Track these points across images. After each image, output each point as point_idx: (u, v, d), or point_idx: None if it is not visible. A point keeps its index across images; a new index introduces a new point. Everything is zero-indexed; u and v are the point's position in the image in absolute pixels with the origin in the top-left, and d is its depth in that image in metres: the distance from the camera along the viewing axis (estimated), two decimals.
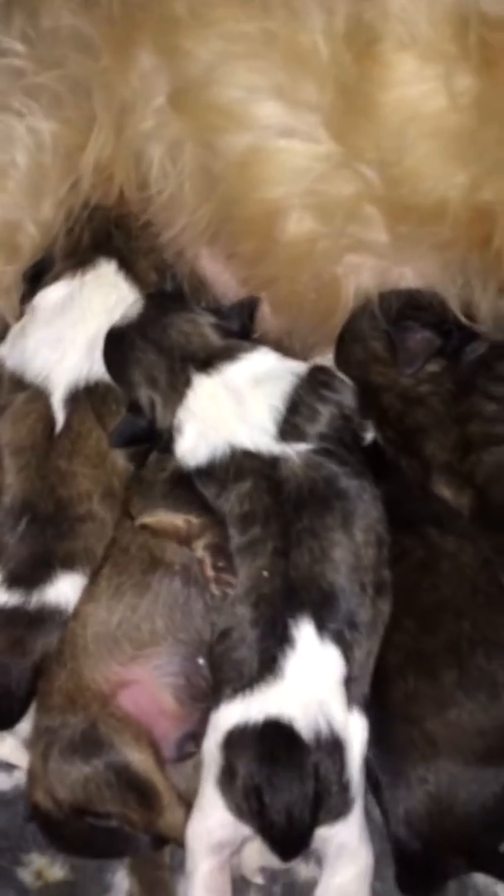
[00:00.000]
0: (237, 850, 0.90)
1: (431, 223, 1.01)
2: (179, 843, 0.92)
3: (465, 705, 0.88)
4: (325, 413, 1.02)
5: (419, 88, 0.96)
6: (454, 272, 1.07)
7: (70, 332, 1.09)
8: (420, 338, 1.07)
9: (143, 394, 1.03)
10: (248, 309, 1.09)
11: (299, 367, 1.05)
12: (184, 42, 1.01)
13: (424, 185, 0.99)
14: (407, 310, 1.06)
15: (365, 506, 0.97)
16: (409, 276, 1.10)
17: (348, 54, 0.97)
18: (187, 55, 1.02)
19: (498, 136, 0.93)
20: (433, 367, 1.06)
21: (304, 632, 0.90)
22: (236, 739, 0.87)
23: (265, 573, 0.93)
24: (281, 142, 1.04)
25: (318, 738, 0.86)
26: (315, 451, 0.99)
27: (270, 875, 0.94)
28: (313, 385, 1.03)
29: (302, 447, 0.98)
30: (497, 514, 0.97)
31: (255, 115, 1.03)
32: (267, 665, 0.89)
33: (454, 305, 1.08)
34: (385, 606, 0.95)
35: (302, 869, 0.93)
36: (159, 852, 0.97)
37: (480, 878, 0.91)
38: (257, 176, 1.05)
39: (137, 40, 1.04)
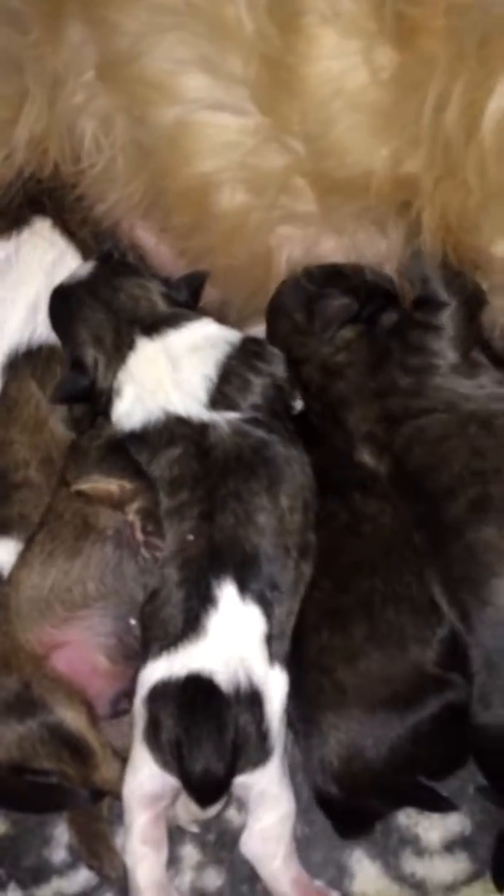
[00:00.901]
0: (171, 801, 0.94)
1: (357, 194, 1.03)
2: (116, 796, 0.97)
3: (373, 656, 0.92)
4: (257, 383, 1.05)
5: (341, 63, 0.97)
6: (379, 240, 1.11)
7: (10, 295, 1.11)
8: (338, 303, 1.10)
9: (88, 352, 1.06)
10: (196, 282, 1.12)
11: (235, 337, 1.08)
12: (111, 14, 1.02)
13: (349, 157, 1.01)
14: (327, 279, 1.08)
15: (292, 472, 1.01)
16: (338, 246, 1.13)
17: (272, 28, 0.98)
18: (115, 28, 1.02)
19: (417, 109, 0.95)
20: (349, 333, 1.09)
21: (227, 592, 0.94)
22: (159, 694, 0.91)
23: (190, 536, 0.97)
24: (210, 115, 1.05)
25: (237, 691, 0.90)
26: (245, 420, 1.02)
27: (204, 824, 0.99)
28: (246, 355, 1.07)
29: (231, 415, 1.02)
30: (410, 481, 1.00)
31: (183, 88, 1.04)
32: (191, 624, 0.93)
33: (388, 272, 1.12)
34: (307, 569, 0.99)
35: (235, 817, 0.97)
36: (97, 806, 1.01)
37: (402, 820, 0.96)
38: (188, 149, 1.07)
39: (66, 12, 1.04)
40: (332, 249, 1.13)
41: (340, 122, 1.00)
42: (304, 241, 1.13)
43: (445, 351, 1.05)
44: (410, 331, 1.07)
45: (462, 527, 0.94)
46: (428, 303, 1.07)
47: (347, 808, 0.92)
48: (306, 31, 0.98)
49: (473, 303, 1.06)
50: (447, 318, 1.06)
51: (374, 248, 1.12)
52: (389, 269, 1.13)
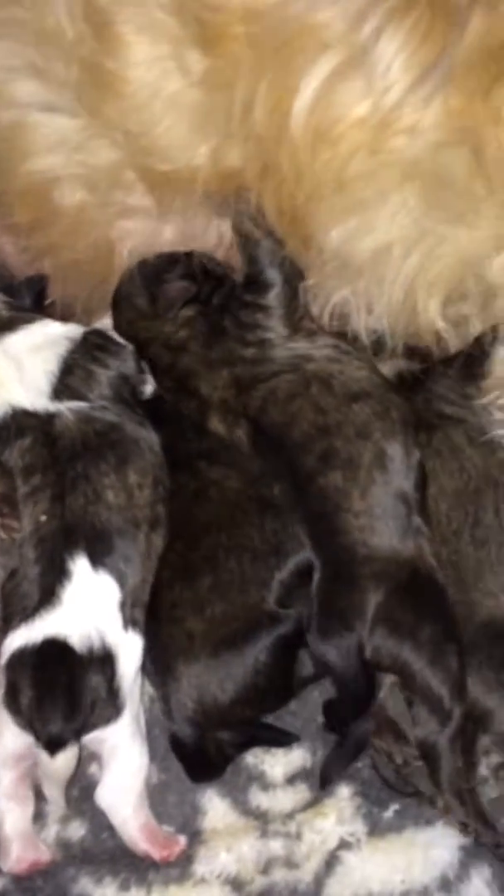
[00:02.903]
0: (35, 760, 0.99)
1: (185, 187, 1.11)
2: None
3: (217, 603, 1.01)
4: (100, 373, 1.14)
5: (156, 67, 1.05)
6: (213, 228, 1.18)
7: None
8: (175, 286, 1.17)
9: None
10: (37, 285, 1.20)
11: (76, 333, 1.16)
12: None
13: (172, 154, 1.09)
14: (164, 266, 1.16)
15: (140, 451, 1.10)
16: (176, 236, 1.20)
17: (91, 35, 1.04)
18: None
19: (226, 107, 1.03)
20: (189, 312, 1.16)
21: (80, 565, 1.02)
22: (17, 660, 0.98)
23: (43, 517, 1.05)
24: (43, 116, 1.12)
25: (90, 652, 0.98)
26: (91, 408, 1.10)
27: (70, 781, 1.03)
28: (88, 348, 1.15)
29: (76, 405, 1.10)
30: (268, 439, 1.09)
31: (16, 93, 1.11)
32: (46, 596, 1.01)
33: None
34: (158, 539, 1.07)
35: (96, 772, 1.04)
36: None
37: (250, 759, 1.04)
38: (24, 149, 1.13)
39: None
40: (171, 239, 1.20)
41: (161, 121, 1.08)
42: (143, 233, 1.20)
43: (276, 327, 1.15)
44: (241, 310, 1.16)
45: (314, 474, 1.04)
46: (254, 283, 1.16)
47: (199, 751, 1.01)
48: (123, 39, 1.05)
49: (295, 281, 1.15)
50: (273, 298, 1.15)
51: (208, 235, 1.21)
52: (221, 255, 1.22)
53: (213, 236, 1.19)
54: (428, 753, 0.97)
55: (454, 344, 1.12)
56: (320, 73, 1.01)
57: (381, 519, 1.01)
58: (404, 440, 1.06)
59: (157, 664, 1.03)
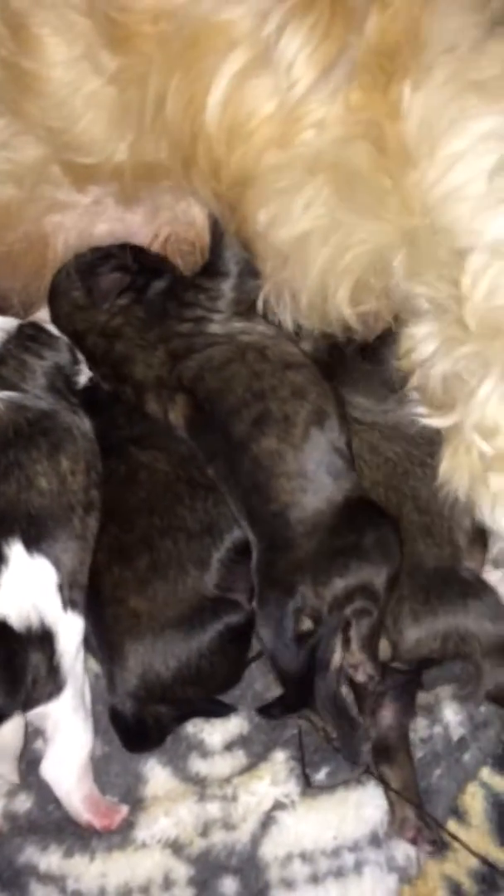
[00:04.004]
0: None
1: (110, 181, 1.14)
2: None
3: (157, 582, 1.06)
4: (33, 363, 1.18)
5: (73, 66, 1.07)
6: (146, 220, 1.22)
7: None
8: (109, 278, 1.21)
9: None
10: None
11: (10, 325, 1.20)
12: None
13: (94, 149, 1.12)
14: (97, 260, 1.20)
15: (72, 439, 1.14)
16: (109, 229, 1.23)
17: (7, 37, 1.07)
18: None
19: (140, 104, 1.07)
20: (123, 301, 1.20)
21: (15, 550, 1.06)
22: None
23: None
24: None
25: (29, 631, 1.03)
26: (24, 397, 1.14)
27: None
28: (21, 339, 1.19)
29: (8, 395, 1.14)
30: (203, 411, 1.12)
31: None
32: None
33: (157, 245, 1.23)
34: (93, 522, 1.11)
35: (42, 747, 1.07)
36: None
37: (190, 729, 1.09)
38: None
39: None
40: (105, 233, 1.24)
41: (81, 118, 1.11)
42: (77, 227, 1.23)
43: (221, 309, 1.18)
44: (186, 291, 1.20)
45: (247, 441, 1.07)
46: (211, 270, 1.19)
47: (138, 723, 1.05)
48: (40, 40, 1.08)
49: (249, 278, 1.18)
50: (225, 286, 1.18)
51: (144, 230, 1.24)
52: (155, 249, 1.26)
53: (148, 231, 1.23)
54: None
55: (362, 334, 1.15)
56: (230, 70, 1.05)
57: (315, 477, 1.05)
58: (336, 404, 1.10)
59: (103, 642, 1.07)
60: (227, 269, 1.18)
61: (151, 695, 1.05)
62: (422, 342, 1.07)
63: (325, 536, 1.02)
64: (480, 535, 1.11)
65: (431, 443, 1.12)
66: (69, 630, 1.06)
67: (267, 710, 1.05)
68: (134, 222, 1.24)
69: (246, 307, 1.19)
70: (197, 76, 1.05)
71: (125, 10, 1.03)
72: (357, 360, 1.17)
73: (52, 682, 1.03)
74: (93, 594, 1.09)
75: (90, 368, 1.23)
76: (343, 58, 1.04)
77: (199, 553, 1.08)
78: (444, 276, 1.05)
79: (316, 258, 1.14)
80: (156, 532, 1.09)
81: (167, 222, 1.24)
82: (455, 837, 1.01)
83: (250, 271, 1.18)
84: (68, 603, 1.07)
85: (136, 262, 1.21)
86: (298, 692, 1.02)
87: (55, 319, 1.23)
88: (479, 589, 1.06)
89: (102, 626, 1.08)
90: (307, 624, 0.99)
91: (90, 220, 1.24)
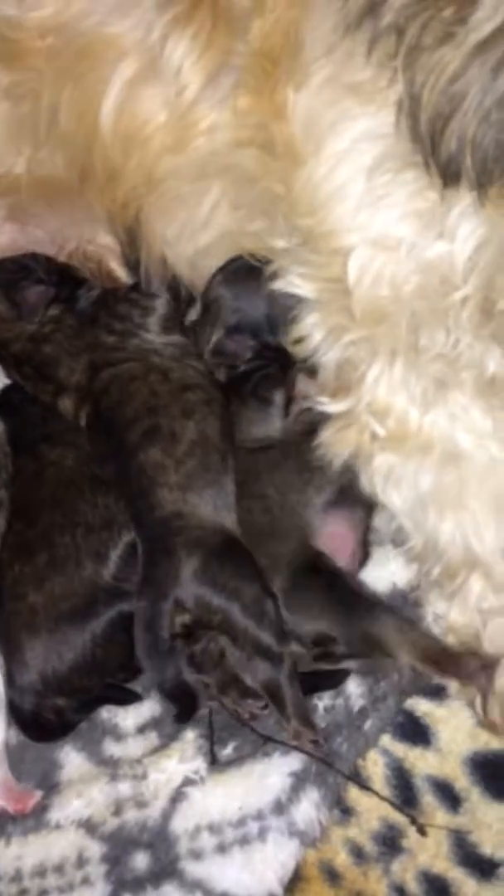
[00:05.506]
0: None
1: (7, 194, 1.19)
2: None
3: (54, 577, 1.09)
4: None
5: None
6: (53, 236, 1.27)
7: None
8: (35, 291, 1.26)
9: None
10: None
11: None
12: None
13: None
14: (17, 273, 1.25)
15: None
16: (14, 243, 1.28)
17: None
18: None
19: (33, 116, 1.12)
20: (53, 311, 1.25)
21: None
22: None
23: None
24: None
25: None
26: None
27: None
28: None
29: None
30: (103, 418, 1.18)
31: None
32: None
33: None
34: (2, 521, 1.15)
35: None
36: None
37: (104, 714, 1.12)
38: None
39: None
40: (5, 245, 1.28)
41: None
42: None
43: (150, 325, 1.24)
44: (119, 304, 1.25)
45: (136, 449, 1.13)
46: (141, 289, 1.25)
47: (36, 716, 1.08)
48: None
49: (178, 297, 1.25)
50: (158, 303, 1.24)
51: (48, 242, 1.29)
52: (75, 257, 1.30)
53: (53, 243, 1.28)
54: (273, 693, 1.05)
55: None
56: (120, 80, 1.10)
57: (195, 491, 1.10)
58: (222, 427, 1.15)
59: (4, 638, 1.10)
60: (158, 288, 1.24)
61: (49, 688, 1.08)
62: (311, 331, 1.12)
63: (206, 560, 1.06)
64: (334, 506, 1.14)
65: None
66: None
67: (180, 717, 1.09)
68: (35, 236, 1.29)
69: (175, 323, 1.25)
70: (89, 87, 1.11)
71: (14, 28, 1.09)
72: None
73: None
74: None
75: (8, 374, 1.28)
76: (228, 64, 1.10)
77: (96, 547, 1.11)
78: (330, 270, 1.11)
79: (218, 261, 1.19)
80: (56, 527, 1.13)
81: (71, 238, 1.30)
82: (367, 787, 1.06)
83: (182, 290, 1.25)
84: None
85: (54, 272, 1.26)
86: (180, 695, 1.07)
87: None
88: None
89: (4, 623, 1.11)
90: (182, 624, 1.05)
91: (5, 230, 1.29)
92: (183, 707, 1.07)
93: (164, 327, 1.24)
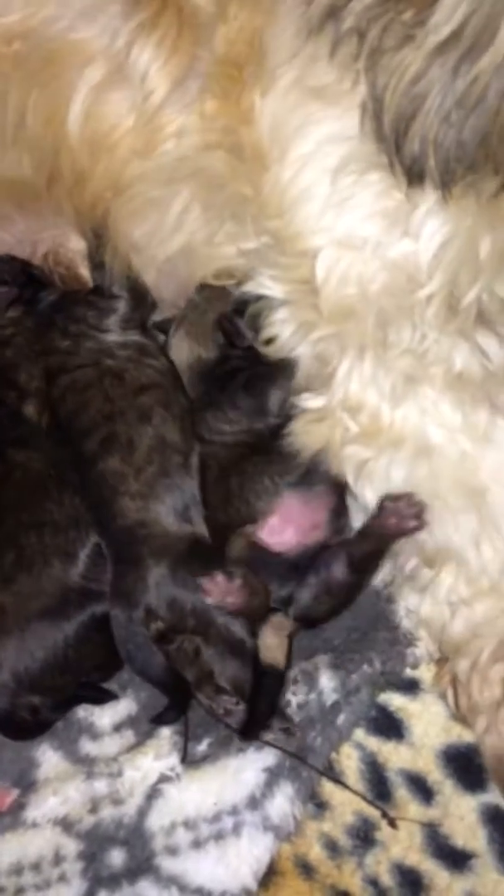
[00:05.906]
0: None
1: None
2: None
3: (21, 577, 1.10)
4: None
5: None
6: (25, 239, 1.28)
7: None
8: None
9: None
10: None
11: None
12: None
13: None
14: None
15: None
16: None
17: None
18: None
19: (2, 121, 1.13)
20: (14, 313, 1.26)
21: None
22: None
23: None
24: None
25: None
26: None
27: None
28: None
29: None
30: (61, 426, 1.19)
31: None
32: None
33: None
34: None
35: None
36: None
37: (80, 713, 1.13)
38: None
39: None
40: None
41: None
42: None
43: (108, 325, 1.24)
44: (76, 306, 1.26)
45: (95, 459, 1.13)
46: (103, 291, 1.25)
47: (11, 715, 1.08)
48: None
49: (140, 298, 1.25)
50: (118, 304, 1.24)
51: (21, 245, 1.30)
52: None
53: (22, 246, 1.28)
54: (243, 689, 1.06)
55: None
56: (87, 84, 1.11)
57: (157, 498, 1.11)
58: (182, 427, 1.16)
59: None
60: (119, 289, 1.24)
61: (22, 686, 1.08)
62: (280, 329, 1.13)
63: (175, 566, 1.07)
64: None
65: None
66: None
67: (159, 719, 1.09)
68: (3, 239, 1.30)
69: (136, 323, 1.25)
70: (56, 91, 1.12)
71: None
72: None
73: None
74: None
75: None
76: (194, 69, 1.11)
77: (64, 546, 1.12)
78: (299, 272, 1.12)
79: (187, 265, 1.21)
80: (22, 528, 1.13)
81: (40, 241, 1.30)
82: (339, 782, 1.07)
83: (143, 293, 1.25)
84: None
85: (21, 274, 1.27)
86: (174, 691, 1.07)
87: None
88: None
89: None
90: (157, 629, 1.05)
91: None
92: (175, 698, 1.07)
93: (123, 328, 1.24)
